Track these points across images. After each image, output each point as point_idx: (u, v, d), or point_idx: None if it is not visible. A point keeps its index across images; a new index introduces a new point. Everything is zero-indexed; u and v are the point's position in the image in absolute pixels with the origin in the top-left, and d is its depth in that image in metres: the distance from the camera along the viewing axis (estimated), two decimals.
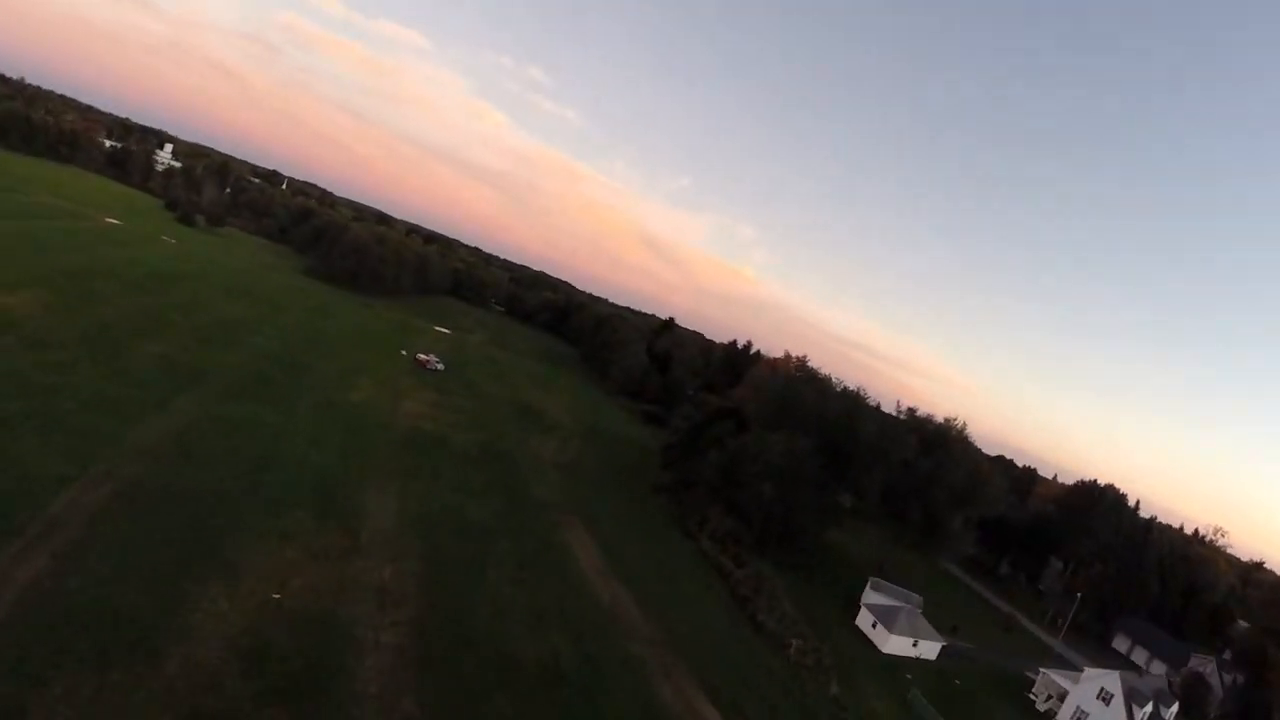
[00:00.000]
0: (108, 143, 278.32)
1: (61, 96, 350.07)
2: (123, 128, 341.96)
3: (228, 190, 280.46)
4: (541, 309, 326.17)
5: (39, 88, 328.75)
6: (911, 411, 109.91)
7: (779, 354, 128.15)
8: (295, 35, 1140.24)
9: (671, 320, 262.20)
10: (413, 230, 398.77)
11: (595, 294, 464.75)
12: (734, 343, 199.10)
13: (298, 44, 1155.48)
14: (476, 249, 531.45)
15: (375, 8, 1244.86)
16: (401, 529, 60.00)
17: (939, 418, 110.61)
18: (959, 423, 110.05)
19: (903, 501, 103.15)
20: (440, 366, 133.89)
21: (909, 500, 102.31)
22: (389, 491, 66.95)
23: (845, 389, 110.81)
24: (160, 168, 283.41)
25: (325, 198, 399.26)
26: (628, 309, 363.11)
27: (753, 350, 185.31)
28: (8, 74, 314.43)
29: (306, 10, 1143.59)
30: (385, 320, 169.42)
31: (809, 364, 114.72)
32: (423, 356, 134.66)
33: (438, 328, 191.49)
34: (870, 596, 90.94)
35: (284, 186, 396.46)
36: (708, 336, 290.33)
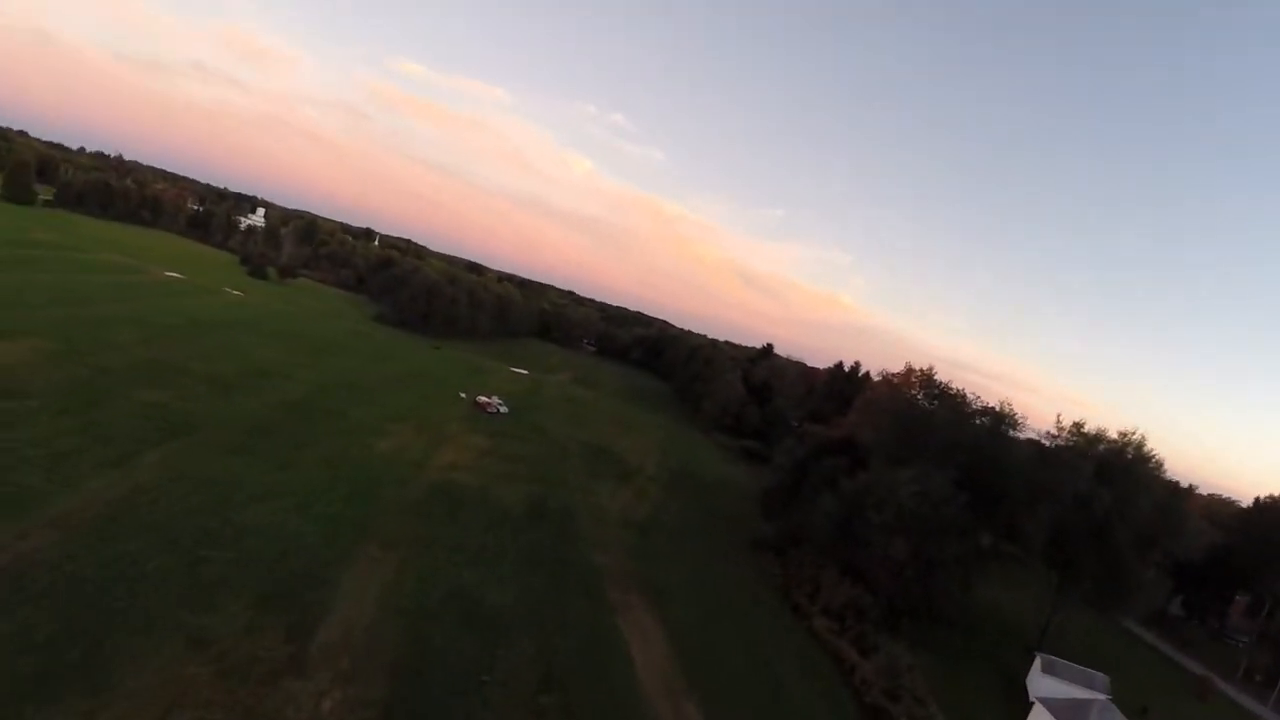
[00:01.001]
0: (195, 207, 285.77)
1: (160, 170, 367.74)
2: (216, 195, 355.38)
3: (311, 246, 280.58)
4: (633, 345, 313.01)
5: (136, 162, 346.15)
6: (1078, 428, 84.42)
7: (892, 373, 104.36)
8: (382, 100, 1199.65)
9: (769, 346, 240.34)
10: (505, 278, 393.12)
11: (693, 330, 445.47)
12: (839, 365, 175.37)
13: (385, 108, 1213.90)
14: (570, 292, 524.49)
15: (457, 68, 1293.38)
16: (378, 627, 42.36)
17: (1112, 433, 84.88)
18: (1137, 438, 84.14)
19: (1073, 547, 78.70)
20: (504, 409, 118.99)
21: (1082, 544, 77.82)
22: (380, 570, 49.84)
23: (987, 406, 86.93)
24: (243, 228, 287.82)
25: (410, 247, 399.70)
26: (727, 343, 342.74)
27: (861, 372, 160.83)
28: (106, 151, 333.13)
29: (391, 76, 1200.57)
30: (452, 363, 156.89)
31: (936, 378, 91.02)
32: (484, 399, 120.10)
33: (514, 369, 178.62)
34: (1040, 684, 67.55)
35: (375, 243, 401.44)
36: (810, 365, 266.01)
